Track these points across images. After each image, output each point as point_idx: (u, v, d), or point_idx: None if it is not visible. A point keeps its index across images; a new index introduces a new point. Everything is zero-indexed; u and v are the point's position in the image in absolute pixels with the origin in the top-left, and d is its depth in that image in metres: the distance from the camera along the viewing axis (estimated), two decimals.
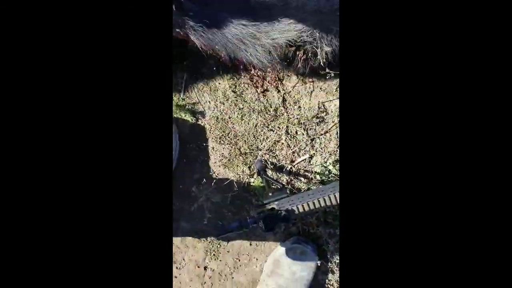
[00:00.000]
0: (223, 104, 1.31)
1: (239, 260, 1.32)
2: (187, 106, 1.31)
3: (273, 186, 1.07)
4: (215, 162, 1.32)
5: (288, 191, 1.02)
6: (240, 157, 1.31)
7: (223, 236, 1.06)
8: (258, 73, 1.27)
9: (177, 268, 1.34)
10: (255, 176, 1.29)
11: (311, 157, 1.28)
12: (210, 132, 1.32)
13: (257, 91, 1.30)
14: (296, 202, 0.98)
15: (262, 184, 1.26)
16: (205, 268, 1.33)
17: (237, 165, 1.31)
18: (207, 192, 1.31)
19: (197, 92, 1.32)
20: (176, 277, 1.33)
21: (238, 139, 1.31)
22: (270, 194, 1.01)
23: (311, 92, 1.28)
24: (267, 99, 1.30)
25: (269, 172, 1.27)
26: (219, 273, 1.33)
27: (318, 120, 1.28)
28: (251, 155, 1.31)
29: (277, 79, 1.28)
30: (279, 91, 1.30)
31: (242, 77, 1.29)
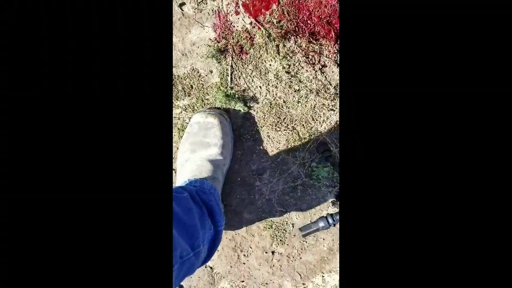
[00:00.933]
0: (276, 87, 1.17)
1: (306, 242, 1.33)
2: (236, 95, 1.17)
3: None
4: (272, 151, 1.23)
5: None
6: (300, 142, 1.22)
7: (310, 233, 1.04)
8: (315, 48, 1.10)
9: (244, 255, 1.36)
10: (316, 160, 1.22)
11: None
12: (264, 120, 1.20)
13: (314, 69, 1.14)
14: None
15: (326, 169, 1.20)
16: (273, 252, 1.35)
17: (298, 152, 1.23)
18: (272, 185, 1.25)
19: (246, 78, 1.16)
20: (244, 263, 1.36)
21: (295, 124, 1.20)
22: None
23: None
24: (325, 76, 1.16)
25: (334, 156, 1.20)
26: (287, 255, 1.35)
27: None
28: (311, 139, 1.21)
29: (336, 51, 1.11)
30: (338, 65, 1.14)
31: (297, 53, 1.12)
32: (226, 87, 1.16)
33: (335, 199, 1.19)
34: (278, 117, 1.20)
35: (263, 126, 1.21)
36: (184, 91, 1.19)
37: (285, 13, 1.07)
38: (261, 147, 1.23)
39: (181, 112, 1.21)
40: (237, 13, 1.08)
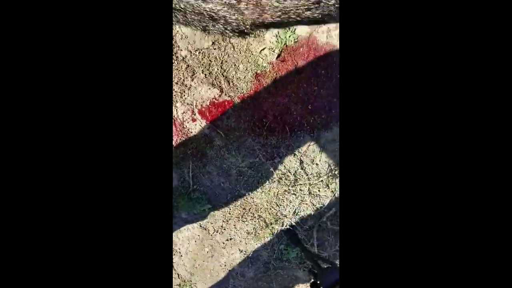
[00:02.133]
0: (240, 182, 1.18)
1: None
2: (200, 197, 1.14)
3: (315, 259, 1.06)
4: (241, 241, 1.23)
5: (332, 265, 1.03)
6: (267, 228, 1.24)
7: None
8: (272, 142, 1.14)
9: None
10: (284, 243, 1.26)
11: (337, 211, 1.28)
12: (230, 213, 1.20)
13: (273, 161, 1.18)
14: None
15: (295, 250, 1.25)
16: None
17: (266, 237, 1.25)
18: (242, 272, 1.25)
19: (208, 177, 1.14)
20: None
21: (261, 212, 1.23)
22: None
23: (324, 146, 1.22)
24: (284, 166, 1.21)
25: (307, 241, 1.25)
26: None
27: (337, 171, 1.25)
28: (277, 223, 1.25)
29: (292, 144, 1.17)
30: (295, 155, 1.20)
31: (256, 150, 1.15)
32: (188, 192, 1.12)
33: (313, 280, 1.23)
34: (244, 208, 1.20)
35: (229, 219, 1.20)
36: None
37: (241, 115, 1.09)
38: (230, 239, 1.22)
39: None
40: (193, 120, 1.06)
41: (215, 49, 1.02)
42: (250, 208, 1.21)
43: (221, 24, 0.93)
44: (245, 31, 0.98)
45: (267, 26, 1.02)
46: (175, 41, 0.99)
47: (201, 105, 1.06)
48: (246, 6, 0.91)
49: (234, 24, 0.94)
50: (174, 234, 1.16)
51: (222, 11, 0.89)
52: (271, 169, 1.19)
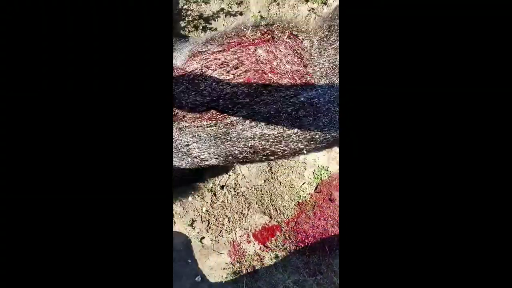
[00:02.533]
0: None
1: None
2: None
3: None
4: None
5: None
6: None
7: None
8: (314, 260, 1.31)
9: None
10: None
11: None
12: None
13: (316, 278, 1.33)
14: None
15: None
16: None
17: None
18: None
19: None
20: None
21: None
22: None
23: None
24: (325, 281, 1.35)
25: None
26: None
27: None
28: None
29: (331, 262, 1.34)
30: (335, 272, 1.35)
31: (300, 268, 1.32)
32: None
33: None
34: None
35: None
36: None
37: (287, 237, 1.31)
38: None
39: None
40: (248, 242, 1.30)
41: (266, 185, 1.32)
42: None
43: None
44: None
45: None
46: (237, 180, 1.30)
47: (255, 229, 1.30)
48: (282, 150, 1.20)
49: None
50: None
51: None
52: (314, 285, 1.33)
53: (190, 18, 1.22)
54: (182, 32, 1.23)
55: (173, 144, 1.06)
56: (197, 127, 1.03)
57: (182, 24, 1.22)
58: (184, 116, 1.01)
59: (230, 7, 1.24)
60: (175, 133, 1.04)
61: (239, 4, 1.24)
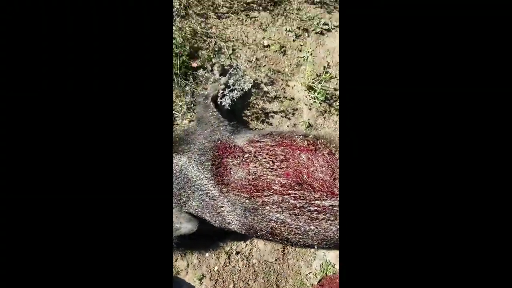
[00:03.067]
0: None
1: None
2: None
3: None
4: None
5: None
6: None
7: None
8: None
9: None
10: None
11: None
12: None
13: None
14: None
15: None
16: None
17: None
18: None
19: None
20: None
21: None
22: None
23: None
24: None
25: None
26: None
27: None
28: None
29: None
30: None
31: None
32: None
33: None
34: None
35: None
36: None
37: None
38: None
39: None
40: None
41: (275, 264, 1.45)
42: None
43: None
44: None
45: None
46: (252, 251, 1.45)
47: None
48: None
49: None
50: None
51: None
52: None
53: (254, 110, 1.56)
54: (245, 118, 1.55)
55: (211, 202, 1.27)
56: (236, 195, 1.25)
57: (248, 113, 1.55)
58: (228, 184, 1.25)
59: (288, 110, 1.56)
60: (217, 194, 1.26)
61: (294, 111, 1.56)
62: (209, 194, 1.24)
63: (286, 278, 1.42)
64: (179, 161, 1.27)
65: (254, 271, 1.42)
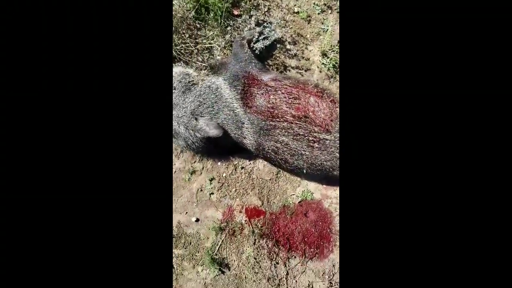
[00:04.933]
0: (244, 265, 1.73)
1: None
2: (217, 260, 1.69)
3: None
4: None
5: None
6: None
7: None
8: (276, 250, 1.75)
9: None
10: None
11: None
12: (227, 285, 1.68)
13: (271, 262, 1.75)
14: None
15: None
16: None
17: None
18: None
19: (228, 251, 1.73)
20: None
21: None
22: None
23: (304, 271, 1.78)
24: (276, 269, 1.76)
25: None
26: None
27: None
28: None
29: (288, 257, 1.77)
30: (285, 265, 1.77)
31: (264, 249, 1.76)
32: (213, 252, 1.69)
33: None
34: (237, 286, 1.68)
35: None
36: (184, 244, 1.70)
37: (266, 222, 1.78)
38: None
39: (176, 259, 1.68)
40: (240, 212, 1.77)
41: (269, 182, 1.83)
42: None
43: None
44: None
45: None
46: (253, 169, 1.82)
47: (248, 206, 1.78)
48: None
49: None
50: None
51: None
52: (268, 266, 1.73)
53: (276, 61, 1.91)
54: (267, 67, 1.89)
55: (236, 118, 1.59)
56: (255, 117, 1.60)
57: (270, 63, 1.89)
58: (251, 107, 1.60)
59: (302, 68, 1.93)
60: (242, 112, 1.60)
61: (307, 70, 1.93)
62: (235, 111, 1.58)
63: (275, 194, 1.81)
64: (217, 81, 1.59)
65: (252, 183, 1.80)
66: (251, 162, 1.81)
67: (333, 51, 1.87)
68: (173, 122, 1.57)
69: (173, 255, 1.70)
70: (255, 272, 1.74)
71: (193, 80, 1.62)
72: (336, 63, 1.88)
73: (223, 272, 1.71)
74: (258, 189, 1.80)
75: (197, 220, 1.75)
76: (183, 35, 1.81)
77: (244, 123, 1.59)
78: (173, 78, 1.61)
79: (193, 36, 1.84)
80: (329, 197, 1.81)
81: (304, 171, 1.66)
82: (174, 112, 1.57)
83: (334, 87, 1.90)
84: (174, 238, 1.71)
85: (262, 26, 1.81)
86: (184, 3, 1.80)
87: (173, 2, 1.79)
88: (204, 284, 1.68)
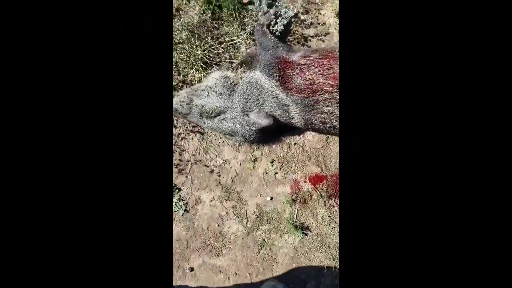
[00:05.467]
0: (322, 224, 1.98)
1: None
2: (298, 226, 1.94)
3: None
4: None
5: None
6: (334, 263, 1.94)
7: None
8: None
9: None
10: None
11: None
12: (312, 244, 1.95)
13: None
14: None
15: None
16: None
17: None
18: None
19: (305, 217, 1.98)
20: None
21: (331, 249, 1.96)
22: None
23: None
24: None
25: None
26: None
27: None
28: None
29: None
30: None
31: (335, 207, 1.99)
32: (293, 221, 1.94)
33: None
34: (321, 242, 1.95)
35: (312, 248, 1.94)
36: (267, 221, 1.96)
37: (329, 184, 1.99)
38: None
39: (262, 233, 1.94)
40: (304, 182, 1.98)
41: (322, 149, 2.01)
42: (328, 244, 1.96)
43: None
44: None
45: None
46: (304, 142, 1.99)
47: (310, 175, 1.98)
48: None
49: None
50: None
51: None
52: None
53: (295, 36, 1.97)
54: (289, 43, 1.96)
55: (281, 103, 1.75)
56: (298, 96, 1.73)
57: (291, 39, 1.96)
58: (292, 89, 1.72)
59: (321, 34, 1.99)
60: (285, 96, 1.74)
61: (326, 34, 1.99)
62: (278, 98, 1.71)
63: (330, 158, 2.00)
64: (254, 75, 1.71)
65: (308, 154, 1.98)
66: (301, 136, 1.98)
67: None
68: (229, 124, 1.73)
69: (261, 231, 1.97)
70: (332, 227, 1.99)
71: (233, 81, 1.74)
72: None
73: (306, 234, 1.97)
74: (314, 158, 1.99)
75: (271, 198, 1.99)
76: (205, 39, 1.90)
77: (289, 105, 1.73)
78: (216, 83, 1.74)
79: (215, 37, 1.92)
80: None
81: None
82: (227, 115, 1.72)
83: None
84: (258, 218, 1.97)
85: (274, 7, 1.86)
86: (198, 6, 1.86)
87: (190, 14, 1.86)
88: (294, 247, 1.96)
